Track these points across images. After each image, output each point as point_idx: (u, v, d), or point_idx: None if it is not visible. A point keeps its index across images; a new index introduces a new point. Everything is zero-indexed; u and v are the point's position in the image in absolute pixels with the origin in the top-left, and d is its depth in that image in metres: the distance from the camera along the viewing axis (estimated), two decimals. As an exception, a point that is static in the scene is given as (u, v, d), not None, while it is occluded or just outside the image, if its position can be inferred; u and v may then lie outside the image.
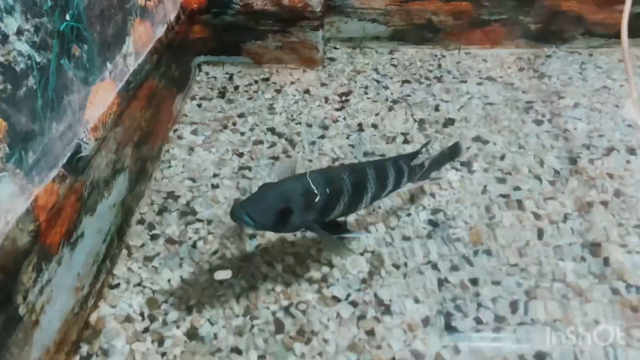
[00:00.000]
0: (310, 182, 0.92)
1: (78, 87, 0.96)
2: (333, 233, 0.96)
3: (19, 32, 0.80)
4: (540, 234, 1.13)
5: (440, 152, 1.17)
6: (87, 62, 0.98)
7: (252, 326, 0.99)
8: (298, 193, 0.90)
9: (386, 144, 1.38)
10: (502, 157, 1.32)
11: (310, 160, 1.33)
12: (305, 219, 0.91)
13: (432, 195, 1.23)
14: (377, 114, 1.48)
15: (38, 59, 0.84)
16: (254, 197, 0.90)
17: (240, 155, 1.35)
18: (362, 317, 1.00)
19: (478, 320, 0.99)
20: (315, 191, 0.91)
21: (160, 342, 0.97)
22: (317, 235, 0.98)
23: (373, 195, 0.99)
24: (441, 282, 1.05)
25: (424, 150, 1.11)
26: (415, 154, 1.09)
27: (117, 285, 1.06)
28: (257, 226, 0.87)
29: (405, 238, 1.14)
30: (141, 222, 1.18)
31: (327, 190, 0.92)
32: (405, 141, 1.39)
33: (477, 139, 1.39)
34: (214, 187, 1.26)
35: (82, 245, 0.96)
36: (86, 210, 0.98)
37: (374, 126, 1.44)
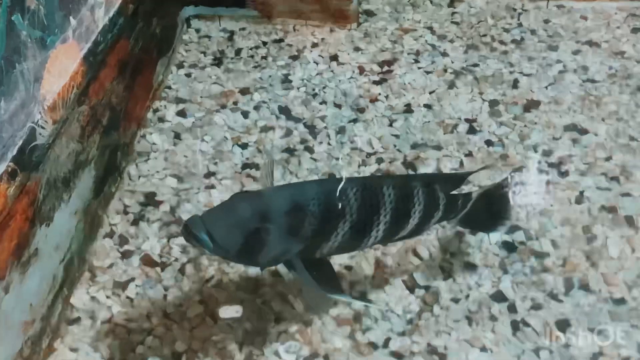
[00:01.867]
0: (302, 196, 0.91)
1: (34, 52, 0.99)
2: (322, 285, 0.94)
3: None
4: (659, 262, 1.15)
5: (485, 194, 1.09)
6: (45, 17, 1.02)
7: (262, 383, 1.02)
8: (282, 209, 0.90)
9: (444, 133, 1.40)
10: (607, 155, 1.34)
11: (337, 159, 1.36)
12: (286, 248, 0.91)
13: (508, 206, 1.25)
14: (431, 92, 1.50)
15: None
16: (219, 209, 0.91)
17: (244, 146, 1.38)
18: None
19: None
20: (308, 209, 0.90)
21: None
22: (296, 279, 0.98)
23: (386, 230, 0.96)
24: (517, 326, 1.07)
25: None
26: (463, 176, 1.08)
27: (77, 319, 1.09)
28: (216, 250, 0.86)
29: (470, 266, 1.16)
30: (110, 235, 1.22)
31: (323, 210, 0.91)
32: (471, 130, 1.41)
33: (571, 128, 1.40)
34: (208, 188, 1.29)
35: (36, 267, 1.00)
36: (41, 219, 1.01)
37: (428, 108, 1.46)
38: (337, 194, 0.93)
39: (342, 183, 0.94)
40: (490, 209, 1.09)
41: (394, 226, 0.98)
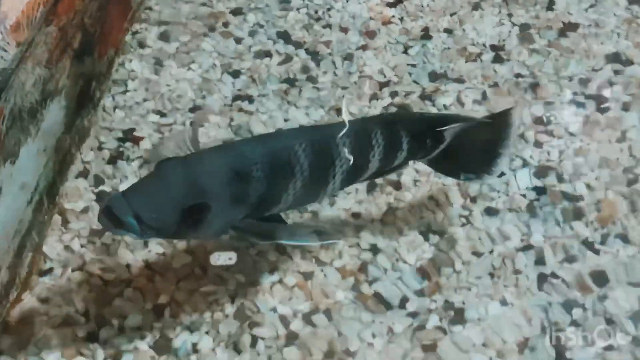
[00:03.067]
0: (243, 161, 0.91)
1: (-9, -38, 0.98)
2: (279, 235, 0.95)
3: None
4: None
5: (474, 121, 1.07)
6: None
7: (254, 339, 1.03)
8: (221, 178, 0.89)
9: (466, 62, 1.40)
10: (655, 87, 1.34)
11: (344, 88, 1.35)
12: (229, 220, 0.91)
13: (538, 144, 1.25)
14: (453, 14, 1.49)
15: None
16: (146, 184, 0.90)
17: (236, 74, 1.38)
18: (419, 327, 1.04)
19: (606, 344, 1.01)
20: (250, 175, 0.90)
21: (116, 359, 1.02)
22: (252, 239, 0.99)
23: (344, 179, 0.99)
24: (545, 280, 1.08)
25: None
26: (436, 119, 1.08)
27: (50, 270, 1.10)
28: (146, 233, 0.86)
29: (493, 212, 1.16)
30: (84, 174, 1.22)
31: (270, 172, 0.92)
32: (497, 59, 1.40)
33: (613, 57, 1.39)
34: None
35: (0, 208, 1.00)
36: (5, 154, 1.01)
37: (448, 33, 1.45)
38: (284, 152, 0.93)
39: (291, 137, 0.96)
40: (478, 149, 1.06)
41: (351, 174, 0.99)
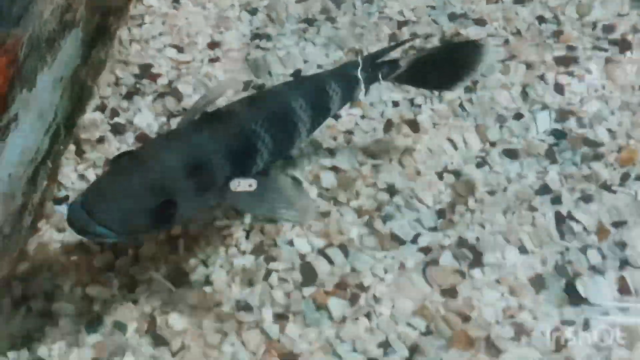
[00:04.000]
0: (197, 148, 0.91)
1: None
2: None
3: None
4: None
5: (434, 50, 1.14)
6: None
7: (269, 272, 1.05)
8: (180, 172, 0.89)
9: (487, 3, 1.39)
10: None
11: (362, 27, 1.35)
12: (204, 200, 0.93)
13: (559, 87, 1.25)
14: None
15: None
16: (106, 188, 0.87)
17: (253, 12, 1.38)
18: (435, 265, 1.05)
19: (621, 287, 1.02)
20: (210, 162, 0.91)
21: (131, 288, 1.04)
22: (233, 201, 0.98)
23: (309, 130, 1.05)
24: (563, 221, 1.09)
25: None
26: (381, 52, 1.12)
27: (66, 198, 1.13)
28: (121, 236, 0.85)
29: (511, 154, 1.17)
30: (100, 108, 1.24)
31: (231, 158, 0.93)
32: (519, 0, 1.39)
33: (638, 4, 1.38)
34: (212, 61, 1.30)
35: (16, 135, 1.01)
36: (22, 81, 1.02)
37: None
38: (242, 134, 0.95)
39: (246, 112, 0.98)
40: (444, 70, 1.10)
41: (316, 122, 1.06)
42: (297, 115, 1.01)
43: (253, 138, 0.96)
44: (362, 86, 1.08)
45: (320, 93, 1.05)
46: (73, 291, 1.04)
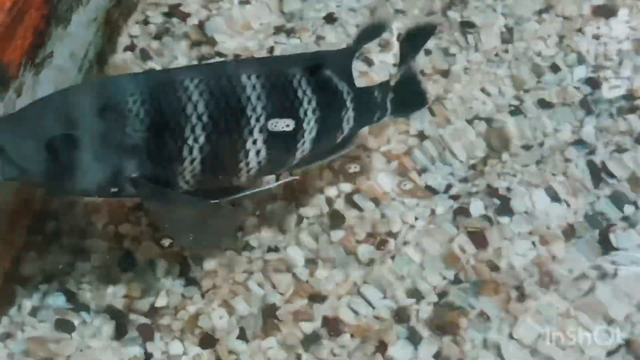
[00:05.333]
0: (118, 89, 0.82)
1: None
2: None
3: None
4: None
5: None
6: None
7: (299, 218, 1.07)
8: (92, 107, 0.81)
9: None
10: None
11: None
12: (117, 170, 0.81)
13: (595, 37, 1.25)
14: None
15: None
16: (10, 118, 0.84)
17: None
18: (464, 213, 1.06)
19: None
20: (128, 106, 0.81)
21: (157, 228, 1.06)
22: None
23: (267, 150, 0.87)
24: (596, 173, 1.10)
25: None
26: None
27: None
28: (7, 170, 0.77)
29: (545, 105, 1.18)
30: (130, 48, 1.25)
31: (155, 111, 0.81)
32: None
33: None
34: (243, 3, 1.30)
35: (51, 71, 1.02)
36: (57, 19, 1.03)
37: None
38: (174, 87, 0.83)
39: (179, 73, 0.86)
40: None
41: (274, 143, 0.89)
42: (253, 114, 0.85)
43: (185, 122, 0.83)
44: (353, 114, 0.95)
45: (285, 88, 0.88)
46: (106, 229, 1.06)
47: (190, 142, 0.83)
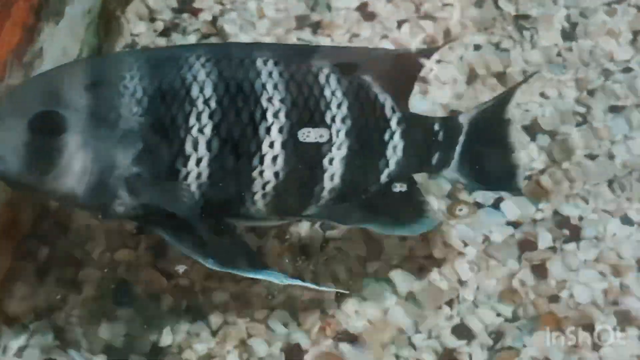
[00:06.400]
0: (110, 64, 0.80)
1: None
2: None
3: None
4: None
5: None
6: None
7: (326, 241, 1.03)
8: (77, 85, 0.75)
9: None
10: None
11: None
12: (116, 170, 0.74)
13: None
14: None
15: None
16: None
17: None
18: (525, 243, 1.02)
19: None
20: (120, 83, 0.74)
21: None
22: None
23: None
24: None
25: None
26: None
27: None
28: None
29: (613, 108, 1.12)
30: (131, 46, 1.21)
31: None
32: None
33: None
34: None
35: (39, 72, 0.99)
36: (47, 13, 1.01)
37: None
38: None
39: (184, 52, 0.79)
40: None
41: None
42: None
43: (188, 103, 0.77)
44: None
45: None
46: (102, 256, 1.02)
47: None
